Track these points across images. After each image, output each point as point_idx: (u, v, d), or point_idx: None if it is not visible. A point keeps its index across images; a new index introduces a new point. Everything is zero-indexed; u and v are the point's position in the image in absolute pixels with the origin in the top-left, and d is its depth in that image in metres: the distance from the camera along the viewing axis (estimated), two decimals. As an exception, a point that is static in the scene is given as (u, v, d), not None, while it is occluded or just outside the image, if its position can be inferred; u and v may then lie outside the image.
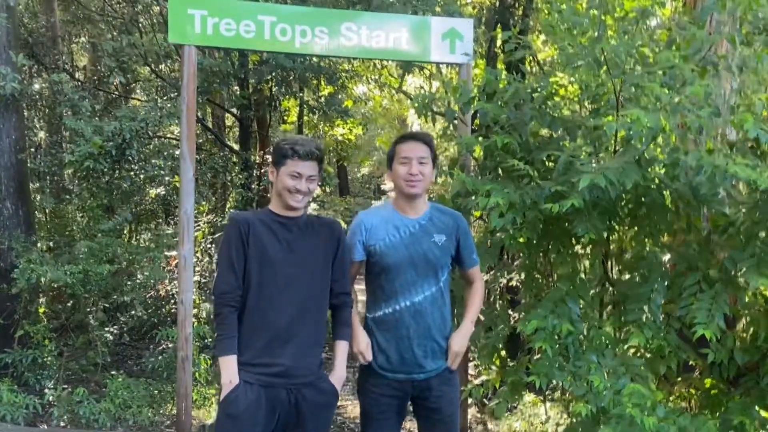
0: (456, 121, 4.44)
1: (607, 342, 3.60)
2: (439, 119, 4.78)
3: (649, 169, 3.58)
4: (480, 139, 4.00)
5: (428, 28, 4.64)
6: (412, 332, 2.85)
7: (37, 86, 7.39)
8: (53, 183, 7.74)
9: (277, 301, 2.63)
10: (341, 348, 2.85)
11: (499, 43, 8.03)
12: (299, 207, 2.72)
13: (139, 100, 9.38)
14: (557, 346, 3.50)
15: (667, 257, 3.86)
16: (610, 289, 4.04)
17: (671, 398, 4.39)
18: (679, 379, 4.44)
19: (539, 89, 3.97)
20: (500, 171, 4.02)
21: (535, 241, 4.03)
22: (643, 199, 3.74)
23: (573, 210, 3.36)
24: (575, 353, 3.53)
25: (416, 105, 4.40)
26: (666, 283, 3.66)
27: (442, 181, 3.83)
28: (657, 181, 3.62)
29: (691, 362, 3.97)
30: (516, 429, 5.35)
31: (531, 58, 8.37)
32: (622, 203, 3.82)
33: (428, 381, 2.90)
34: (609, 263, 4.17)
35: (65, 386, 5.20)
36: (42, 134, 8.32)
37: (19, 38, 6.90)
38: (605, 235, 3.89)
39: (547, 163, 3.92)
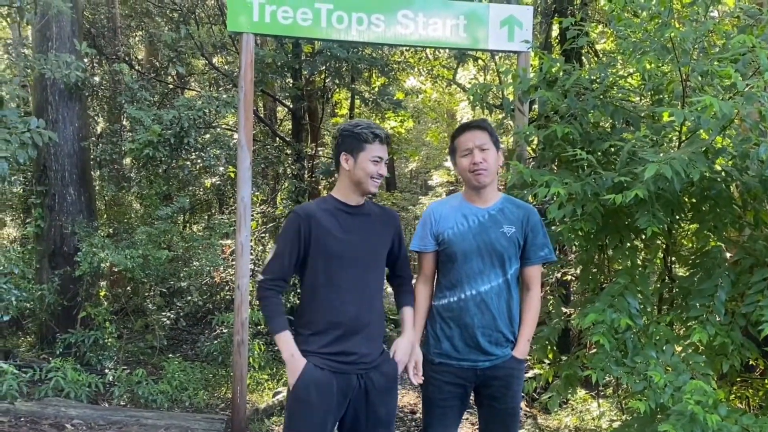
0: (513, 112, 4.37)
1: (667, 338, 3.49)
2: (495, 111, 4.71)
3: (717, 161, 3.46)
4: (538, 129, 3.93)
5: (486, 16, 4.58)
6: (477, 321, 2.81)
7: (97, 77, 7.56)
8: (113, 171, 7.94)
9: (345, 291, 2.63)
10: (408, 313, 2.85)
11: (555, 33, 7.87)
12: (376, 192, 2.70)
13: (195, 91, 9.52)
14: (615, 340, 3.41)
15: (731, 252, 3.71)
16: (671, 284, 3.92)
17: (732, 397, 4.26)
18: (739, 378, 4.31)
19: (600, 78, 3.86)
20: (559, 161, 3.94)
21: (593, 234, 3.95)
22: (708, 191, 3.62)
23: (636, 202, 3.27)
24: (633, 348, 3.43)
25: (472, 96, 4.34)
26: (731, 279, 3.53)
27: (501, 174, 3.76)
28: (724, 173, 3.50)
29: (751, 362, 3.83)
30: (567, 424, 5.26)
31: (588, 48, 8.19)
32: (686, 196, 3.70)
33: (492, 370, 2.86)
34: (670, 257, 4.05)
35: (125, 367, 5.33)
36: (102, 123, 8.52)
37: (82, 28, 7.07)
38: (667, 228, 3.78)
39: (608, 154, 3.81)
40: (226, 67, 8.90)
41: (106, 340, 5.38)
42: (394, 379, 2.75)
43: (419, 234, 2.96)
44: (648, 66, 3.86)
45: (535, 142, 4.05)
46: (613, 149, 3.73)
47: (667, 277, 3.98)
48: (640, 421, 3.42)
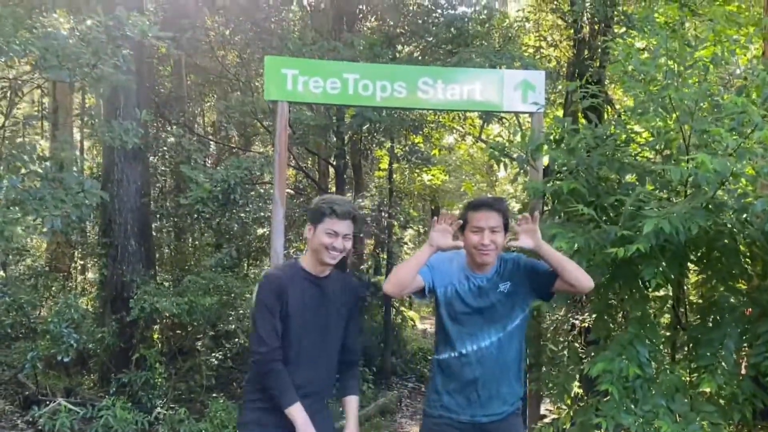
0: (529, 168, 4.31)
1: (677, 386, 3.31)
2: (513, 165, 4.66)
3: (721, 214, 3.32)
4: (548, 184, 3.86)
5: (501, 80, 4.56)
6: (479, 375, 2.70)
7: (161, 140, 7.83)
8: (175, 224, 8.14)
9: (299, 357, 2.57)
10: (353, 403, 2.75)
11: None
12: (333, 264, 2.63)
13: (256, 152, 9.75)
14: (624, 389, 3.25)
15: (741, 302, 3.52)
16: (682, 332, 3.73)
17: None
18: (759, 426, 4.04)
19: (608, 136, 3.79)
20: (569, 215, 3.84)
21: (605, 283, 3.81)
22: (714, 243, 3.47)
23: (640, 254, 3.15)
24: (643, 397, 3.26)
25: (491, 151, 4.31)
26: (739, 329, 3.34)
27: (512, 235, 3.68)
28: (729, 226, 3.35)
29: (770, 409, 3.59)
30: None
31: (609, 107, 8.11)
32: (693, 247, 3.55)
33: (494, 425, 2.73)
34: (681, 307, 3.87)
35: (173, 405, 5.34)
36: (167, 181, 8.78)
37: (148, 98, 7.37)
38: (676, 279, 3.63)
39: (615, 208, 3.70)
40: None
41: (156, 380, 5.42)
42: None
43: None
44: (655, 124, 3.79)
45: (547, 196, 3.97)
46: (618, 203, 3.62)
47: (678, 326, 3.79)
48: (651, 470, 3.21)
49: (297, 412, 2.50)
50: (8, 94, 5.52)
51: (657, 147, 3.96)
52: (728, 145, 2.90)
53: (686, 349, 3.64)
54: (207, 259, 5.81)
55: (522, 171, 4.40)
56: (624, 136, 3.93)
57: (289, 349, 2.55)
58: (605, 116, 7.39)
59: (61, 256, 9.87)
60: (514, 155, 4.36)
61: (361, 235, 9.21)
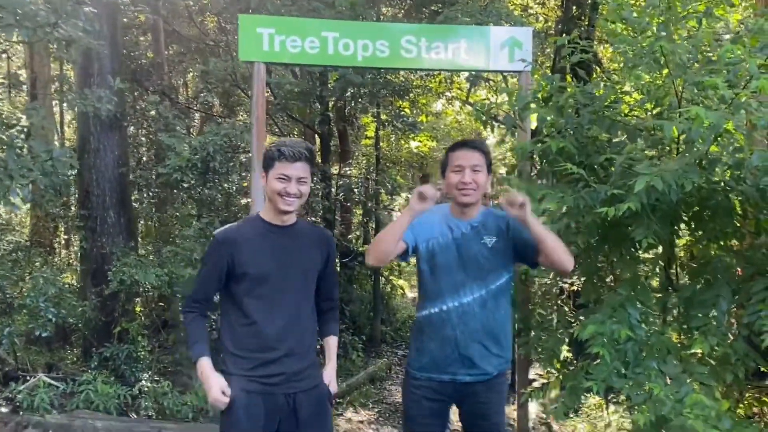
0: (517, 129, 4.18)
1: (669, 348, 3.23)
2: (500, 127, 4.53)
3: (715, 171, 3.22)
4: (537, 144, 3.73)
5: (487, 38, 4.40)
6: (459, 333, 2.61)
7: (139, 109, 7.61)
8: (155, 195, 7.95)
9: (267, 311, 2.44)
10: (332, 343, 2.68)
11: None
12: (290, 210, 2.47)
13: (241, 121, 9.50)
14: (616, 351, 3.17)
15: (733, 261, 3.43)
16: (674, 294, 3.65)
17: (741, 406, 3.95)
18: (750, 386, 4.01)
19: (594, 95, 3.65)
20: (558, 176, 3.73)
21: (595, 246, 3.72)
22: (707, 202, 3.37)
23: (631, 214, 3.05)
24: (635, 359, 3.18)
25: (477, 113, 4.17)
26: (732, 289, 3.26)
27: (501, 189, 3.56)
28: (722, 183, 3.25)
29: (764, 369, 3.55)
30: (580, 431, 4.97)
31: (598, 68, 7.94)
32: (685, 207, 3.45)
33: (473, 385, 2.65)
34: (673, 268, 3.79)
35: (157, 378, 5.25)
36: (147, 150, 8.57)
37: (123, 65, 7.12)
38: (668, 239, 3.53)
39: (605, 168, 3.59)
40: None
41: (139, 353, 5.31)
42: (324, 403, 2.55)
43: None
44: (646, 79, 3.66)
45: (535, 157, 3.84)
46: (608, 163, 3.50)
47: (670, 288, 3.71)
48: (642, 432, 3.15)
49: (200, 365, 2.40)
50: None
51: (647, 105, 3.84)
52: (724, 97, 2.76)
53: (678, 310, 3.57)
54: (187, 230, 5.64)
55: (509, 132, 4.27)
56: (613, 96, 3.80)
57: (252, 302, 2.44)
58: (594, 76, 7.24)
59: (43, 230, 9.68)
60: (501, 117, 4.24)
61: (348, 203, 9.08)
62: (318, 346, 2.69)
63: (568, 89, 3.50)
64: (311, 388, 2.51)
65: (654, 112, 3.83)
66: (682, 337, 3.52)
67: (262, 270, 2.44)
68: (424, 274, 2.70)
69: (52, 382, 4.82)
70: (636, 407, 3.08)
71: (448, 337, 2.61)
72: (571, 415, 5.34)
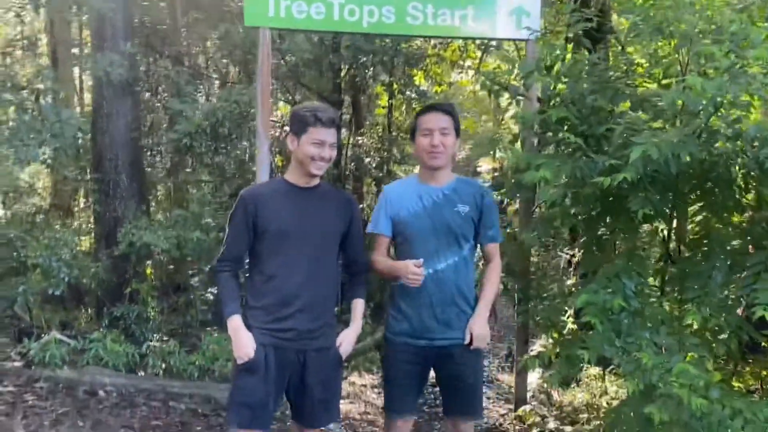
0: (520, 98, 4.15)
1: (663, 319, 3.25)
2: (506, 96, 4.49)
3: (716, 143, 3.18)
4: (540, 113, 3.71)
5: (494, 5, 4.34)
6: (435, 300, 2.68)
7: (152, 74, 7.64)
8: (170, 160, 8.02)
9: (285, 267, 2.52)
10: (358, 305, 2.74)
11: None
12: (320, 174, 2.57)
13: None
14: (609, 321, 3.20)
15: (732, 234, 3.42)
16: (672, 266, 3.65)
17: (740, 379, 3.97)
18: (748, 359, 4.02)
19: (596, 63, 3.61)
20: (558, 146, 3.71)
21: (595, 216, 3.72)
22: (709, 174, 3.34)
23: (630, 185, 3.04)
24: (627, 329, 3.21)
25: (482, 81, 4.15)
26: (729, 262, 3.25)
27: (502, 158, 3.57)
28: (723, 155, 3.21)
29: (763, 343, 3.55)
30: (579, 400, 5.02)
31: (614, 39, 7.78)
32: (686, 179, 3.43)
33: (449, 349, 2.72)
34: (672, 240, 3.78)
35: (166, 338, 5.37)
36: (160, 116, 8.61)
37: (137, 30, 7.14)
38: (668, 211, 3.52)
39: (606, 138, 3.56)
40: (274, 62, 8.83)
41: (149, 314, 5.44)
42: (335, 365, 2.63)
43: (374, 217, 2.83)
44: (651, 48, 3.61)
45: (535, 126, 3.82)
46: (609, 133, 3.47)
47: (669, 260, 3.71)
48: (632, 401, 3.19)
49: (231, 322, 2.50)
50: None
51: (655, 72, 3.80)
52: (726, 67, 2.72)
53: (675, 282, 3.57)
54: (195, 194, 5.72)
55: (515, 101, 4.24)
56: (624, 66, 3.76)
57: (272, 258, 2.52)
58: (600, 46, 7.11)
59: (62, 194, 9.86)
60: (508, 85, 4.20)
61: (358, 173, 9.07)
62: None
63: (567, 57, 3.46)
64: (323, 349, 2.58)
65: (664, 83, 3.79)
66: (679, 308, 3.53)
67: (282, 227, 2.51)
68: (398, 243, 2.77)
69: (64, 339, 4.97)
70: (626, 376, 3.12)
71: (424, 303, 2.68)
72: (573, 385, 5.40)
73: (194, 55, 9.59)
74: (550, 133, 3.75)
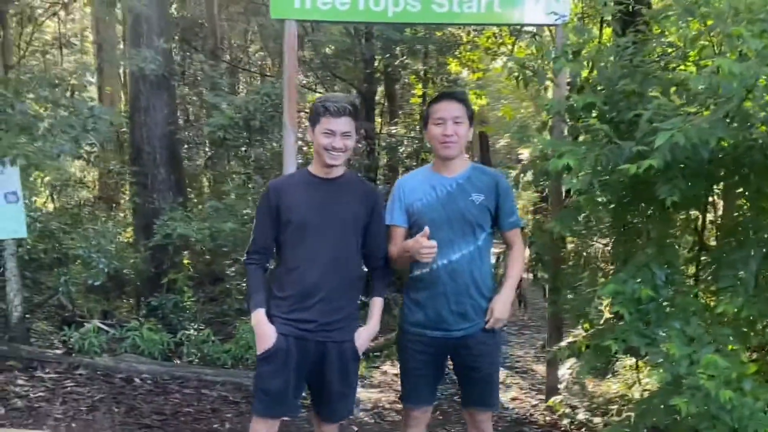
0: (554, 85, 4.07)
1: (694, 309, 3.16)
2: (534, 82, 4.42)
3: (751, 128, 3.06)
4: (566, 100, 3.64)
5: (521, -9, 4.26)
6: (449, 290, 2.64)
7: (188, 68, 7.78)
8: (209, 152, 8.16)
9: (306, 258, 2.53)
10: (376, 303, 2.72)
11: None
12: (336, 164, 2.56)
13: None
14: (637, 311, 3.13)
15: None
16: (705, 254, 3.55)
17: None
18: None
19: (630, 45, 3.51)
20: (586, 132, 3.63)
21: (625, 204, 3.63)
22: (744, 159, 3.22)
23: (658, 171, 2.96)
24: (657, 319, 3.13)
25: (509, 66, 4.08)
26: (765, 250, 3.14)
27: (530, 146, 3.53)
28: (760, 141, 3.09)
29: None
30: (613, 390, 4.94)
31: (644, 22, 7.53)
32: (719, 165, 3.31)
33: (465, 339, 2.68)
34: (705, 228, 3.66)
35: (201, 327, 5.50)
36: (197, 109, 8.78)
37: (173, 25, 7.27)
38: (701, 198, 3.42)
39: (635, 123, 3.47)
40: (309, 54, 8.89)
41: (185, 304, 5.57)
42: (351, 359, 2.62)
43: (388, 208, 2.78)
44: (683, 30, 3.49)
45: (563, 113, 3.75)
46: (638, 119, 3.38)
47: (702, 248, 3.60)
48: (661, 393, 3.13)
49: (254, 315, 2.55)
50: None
51: (689, 55, 3.67)
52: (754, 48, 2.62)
53: (708, 271, 3.47)
54: (227, 186, 5.82)
55: (543, 88, 4.17)
56: (657, 49, 3.64)
57: (292, 249, 2.55)
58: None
59: (107, 187, 10.18)
60: (537, 71, 4.13)
61: (392, 163, 9.08)
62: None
63: (593, 42, 3.37)
64: (341, 342, 2.59)
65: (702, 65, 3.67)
66: (711, 298, 3.43)
67: (303, 218, 2.54)
68: (413, 235, 2.72)
69: (104, 327, 5.13)
70: (654, 367, 3.05)
71: (439, 294, 2.65)
72: (608, 376, 5.31)
73: (231, 49, 9.74)
74: (577, 120, 3.66)
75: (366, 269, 2.76)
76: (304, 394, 2.74)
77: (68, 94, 4.07)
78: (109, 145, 10.58)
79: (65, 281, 5.17)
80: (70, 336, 4.79)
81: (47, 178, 8.89)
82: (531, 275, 4.49)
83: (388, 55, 7.27)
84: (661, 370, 2.88)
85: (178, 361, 4.92)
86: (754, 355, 3.79)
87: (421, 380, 2.74)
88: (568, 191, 4.18)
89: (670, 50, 3.79)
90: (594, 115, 3.50)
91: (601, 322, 4.18)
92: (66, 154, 3.73)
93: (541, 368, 6.04)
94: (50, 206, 9.04)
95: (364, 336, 2.66)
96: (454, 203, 2.67)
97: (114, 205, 9.83)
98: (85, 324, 5.28)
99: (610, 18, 4.22)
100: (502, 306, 2.70)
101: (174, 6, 8.12)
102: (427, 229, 2.52)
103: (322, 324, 2.54)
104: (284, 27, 4.27)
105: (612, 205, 3.65)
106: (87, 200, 9.63)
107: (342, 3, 4.20)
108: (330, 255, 2.54)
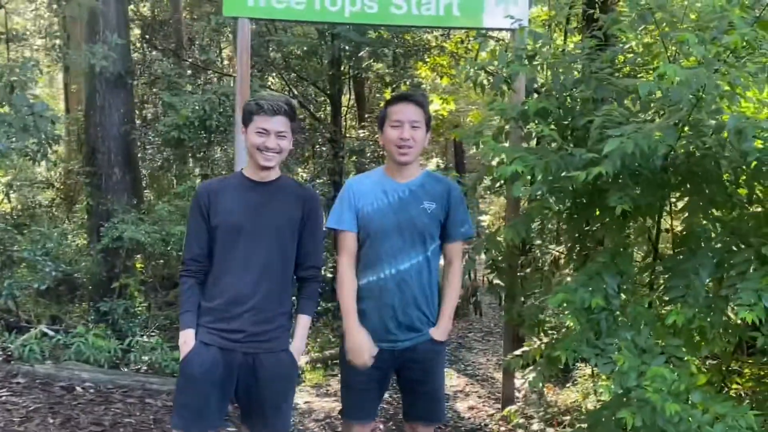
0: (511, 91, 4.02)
1: (645, 319, 3.12)
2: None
3: (704, 136, 3.03)
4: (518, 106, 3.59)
5: (480, -6, 4.21)
6: (397, 301, 2.54)
7: (145, 66, 7.59)
8: (167, 153, 7.97)
9: (235, 265, 2.41)
10: (301, 322, 2.55)
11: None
12: (270, 165, 2.44)
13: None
14: (588, 321, 3.07)
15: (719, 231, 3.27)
16: (658, 263, 3.52)
17: (735, 382, 3.83)
18: (740, 360, 3.88)
19: (584, 51, 3.47)
20: (539, 139, 3.59)
21: (577, 212, 3.58)
22: (697, 168, 3.19)
23: (609, 179, 2.92)
24: (607, 329, 3.08)
25: (465, 71, 4.02)
26: (715, 260, 3.11)
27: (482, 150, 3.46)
28: (712, 149, 3.07)
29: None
30: (571, 400, 4.90)
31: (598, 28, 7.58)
32: (673, 173, 3.29)
33: (411, 352, 2.59)
34: (660, 236, 3.64)
35: (152, 334, 5.33)
36: (155, 109, 8.59)
37: (128, 24, 7.08)
38: (655, 207, 3.38)
39: (587, 130, 3.43)
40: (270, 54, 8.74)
41: (136, 309, 5.39)
42: (288, 366, 2.50)
43: (336, 211, 2.65)
44: (633, 37, 3.47)
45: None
46: (590, 125, 3.34)
47: (655, 257, 3.57)
48: (610, 405, 3.08)
49: (183, 336, 2.43)
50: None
51: (647, 62, 3.66)
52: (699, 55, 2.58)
53: (661, 281, 3.44)
54: (179, 188, 5.67)
55: (499, 93, 4.11)
56: (606, 57, 3.60)
57: (222, 255, 2.42)
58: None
59: (67, 186, 9.91)
60: (493, 76, 4.07)
61: (360, 165, 8.99)
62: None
63: (542, 46, 3.33)
64: (276, 351, 2.46)
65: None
66: (664, 308, 3.39)
67: (233, 223, 2.41)
68: (360, 241, 2.63)
69: (51, 333, 4.94)
70: (606, 378, 3.00)
71: (386, 305, 2.55)
72: (567, 385, 5.28)
73: (200, 48, 9.57)
74: (531, 126, 3.62)
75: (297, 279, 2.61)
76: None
77: (8, 90, 3.88)
78: (72, 144, 10.36)
79: (9, 284, 4.95)
80: (10, 342, 4.59)
81: (4, 179, 8.67)
82: (486, 281, 4.43)
83: (354, 58, 7.17)
84: (610, 382, 2.83)
85: (125, 369, 4.75)
86: (709, 364, 3.78)
87: (364, 394, 2.63)
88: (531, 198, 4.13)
89: (629, 56, 3.77)
90: (549, 121, 3.45)
91: (563, 330, 4.14)
92: (2, 153, 3.55)
93: (501, 376, 5.99)
94: (6, 206, 8.78)
95: (295, 353, 2.54)
96: (405, 210, 2.56)
97: (74, 206, 9.59)
98: (30, 329, 5.08)
99: (572, 24, 4.22)
100: (441, 334, 2.63)
101: (136, 3, 7.90)
102: (376, 350, 2.53)
103: (250, 335, 2.41)
104: (237, 25, 4.16)
105: (564, 213, 3.61)
106: (49, 201, 9.37)
107: (297, 2, 4.11)
108: (262, 262, 2.42)
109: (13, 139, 3.65)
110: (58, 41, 7.50)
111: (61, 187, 10.14)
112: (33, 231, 5.22)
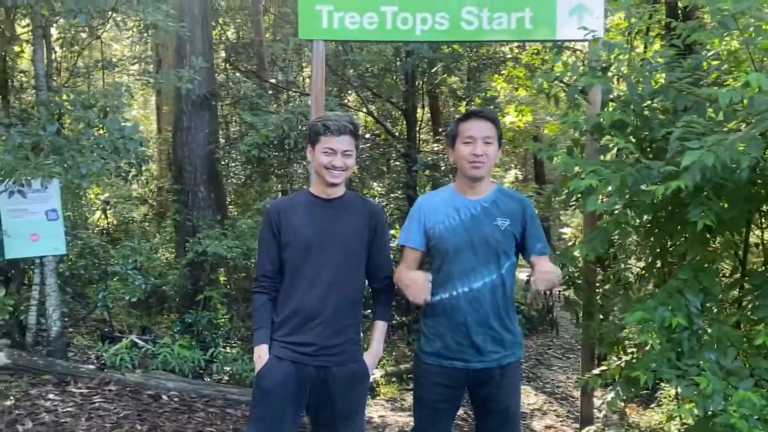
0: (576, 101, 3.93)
1: (731, 340, 2.95)
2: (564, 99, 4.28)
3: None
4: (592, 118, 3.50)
5: (553, 6, 4.15)
6: (470, 320, 2.51)
7: (228, 88, 7.93)
8: (251, 171, 8.28)
9: (305, 280, 2.48)
10: (378, 327, 2.64)
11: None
12: (337, 183, 2.52)
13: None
14: (668, 341, 2.95)
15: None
16: (746, 281, 3.33)
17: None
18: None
19: (664, 60, 3.36)
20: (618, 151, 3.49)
21: (658, 227, 3.45)
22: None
23: (691, 193, 2.80)
24: (690, 350, 2.94)
25: (538, 83, 3.97)
26: (809, 277, 2.92)
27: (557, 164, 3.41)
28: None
29: None
30: (655, 422, 4.69)
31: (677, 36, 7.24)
32: (761, 185, 3.11)
33: (486, 371, 2.55)
34: (747, 252, 3.44)
35: (234, 345, 5.52)
36: (238, 128, 8.93)
37: (212, 48, 7.44)
38: (741, 220, 3.21)
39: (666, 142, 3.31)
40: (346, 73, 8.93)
41: (219, 321, 5.61)
42: (360, 377, 2.55)
43: (406, 227, 2.68)
44: (715, 43, 3.33)
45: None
46: (668, 137, 3.22)
47: (743, 275, 3.38)
48: (694, 429, 2.92)
49: (257, 352, 2.52)
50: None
51: (732, 71, 3.49)
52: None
53: (748, 299, 3.25)
54: (258, 204, 5.87)
55: (573, 105, 4.03)
56: (689, 65, 3.46)
57: (292, 271, 2.51)
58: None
59: (160, 203, 10.54)
60: (568, 88, 4.00)
61: (432, 179, 8.99)
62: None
63: (619, 56, 3.24)
64: (347, 363, 2.53)
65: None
66: (751, 328, 3.20)
67: (302, 240, 2.50)
68: (433, 258, 2.63)
69: (140, 342, 5.21)
70: (684, 401, 2.86)
71: (458, 323, 2.53)
72: (652, 405, 5.06)
73: (274, 68, 9.92)
74: (607, 138, 3.52)
75: (372, 290, 2.70)
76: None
77: (101, 114, 4.17)
78: (163, 163, 10.95)
79: (103, 297, 5.28)
80: (104, 351, 4.88)
81: (102, 196, 9.28)
82: (563, 298, 4.32)
83: (427, 73, 7.22)
84: (692, 405, 2.70)
85: (208, 379, 4.94)
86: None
87: (437, 414, 2.62)
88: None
89: (713, 62, 3.61)
90: (627, 132, 3.35)
91: (645, 349, 3.98)
92: (94, 174, 3.81)
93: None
94: (104, 222, 9.39)
95: (368, 362, 2.59)
96: (478, 228, 2.55)
97: (164, 221, 10.12)
98: (122, 339, 5.38)
99: (654, 32, 4.08)
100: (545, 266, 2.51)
101: (222, 28, 8.29)
102: (430, 276, 2.47)
103: (321, 348, 2.47)
104: (312, 47, 4.28)
105: (643, 228, 3.48)
106: (142, 216, 9.96)
107: (370, 22, 4.18)
108: (331, 276, 2.49)
109: (106, 160, 3.91)
110: (149, 66, 7.94)
111: (154, 203, 10.77)
112: (124, 246, 5.53)
